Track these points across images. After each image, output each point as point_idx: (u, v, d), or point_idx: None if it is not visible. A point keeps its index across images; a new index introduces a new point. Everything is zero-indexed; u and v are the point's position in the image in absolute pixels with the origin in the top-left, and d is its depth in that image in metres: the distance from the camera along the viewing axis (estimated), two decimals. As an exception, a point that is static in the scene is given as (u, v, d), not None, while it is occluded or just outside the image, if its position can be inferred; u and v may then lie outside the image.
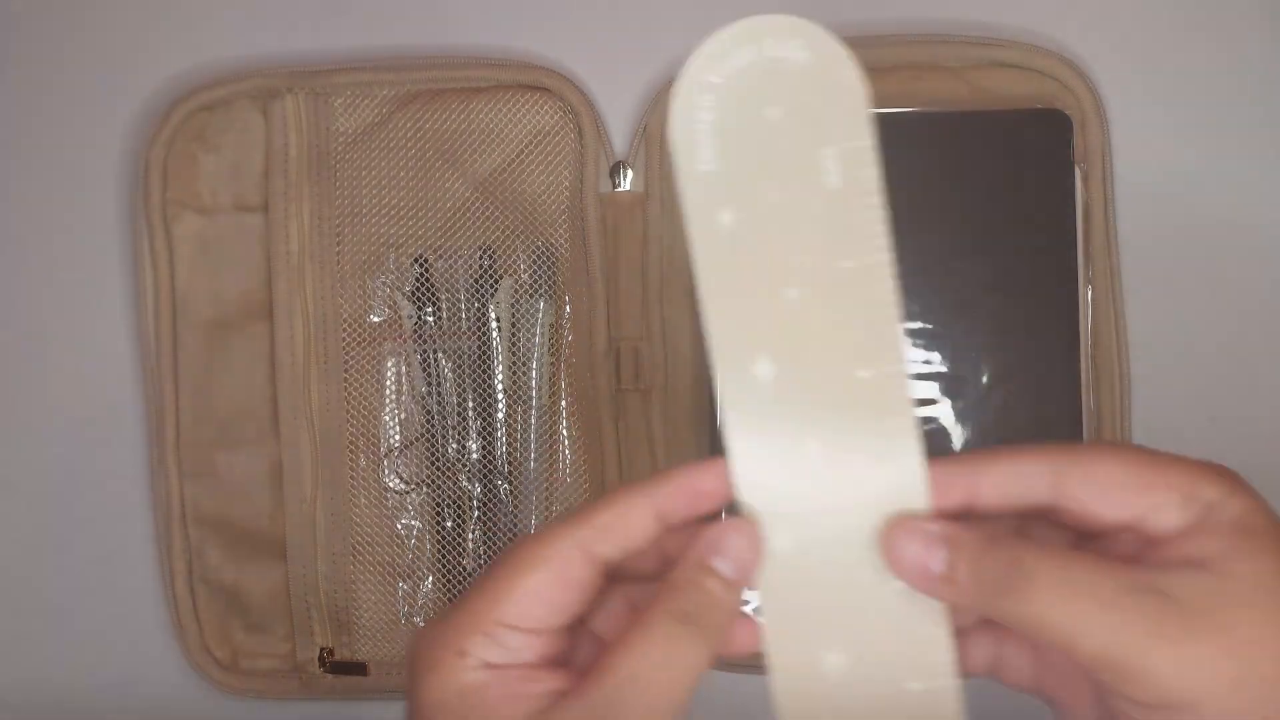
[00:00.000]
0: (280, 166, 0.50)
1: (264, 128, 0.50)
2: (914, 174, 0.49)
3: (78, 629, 0.52)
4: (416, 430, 0.50)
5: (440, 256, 0.50)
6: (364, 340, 0.50)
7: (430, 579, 0.50)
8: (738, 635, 0.31)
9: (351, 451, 0.50)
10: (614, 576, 0.31)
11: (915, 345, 0.48)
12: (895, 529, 0.30)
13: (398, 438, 0.50)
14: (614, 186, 0.50)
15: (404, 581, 0.50)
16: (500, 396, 0.50)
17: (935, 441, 0.48)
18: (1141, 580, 0.28)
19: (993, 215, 0.48)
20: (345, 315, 0.50)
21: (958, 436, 0.48)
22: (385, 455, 0.50)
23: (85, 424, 0.52)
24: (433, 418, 0.50)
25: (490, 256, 0.50)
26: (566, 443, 0.50)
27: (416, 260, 0.50)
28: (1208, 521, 0.29)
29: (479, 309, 0.50)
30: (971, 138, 0.49)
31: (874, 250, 0.30)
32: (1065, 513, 0.30)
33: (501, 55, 0.51)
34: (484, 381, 0.50)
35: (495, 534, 0.50)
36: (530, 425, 0.50)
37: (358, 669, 0.50)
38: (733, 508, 0.30)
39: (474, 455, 0.50)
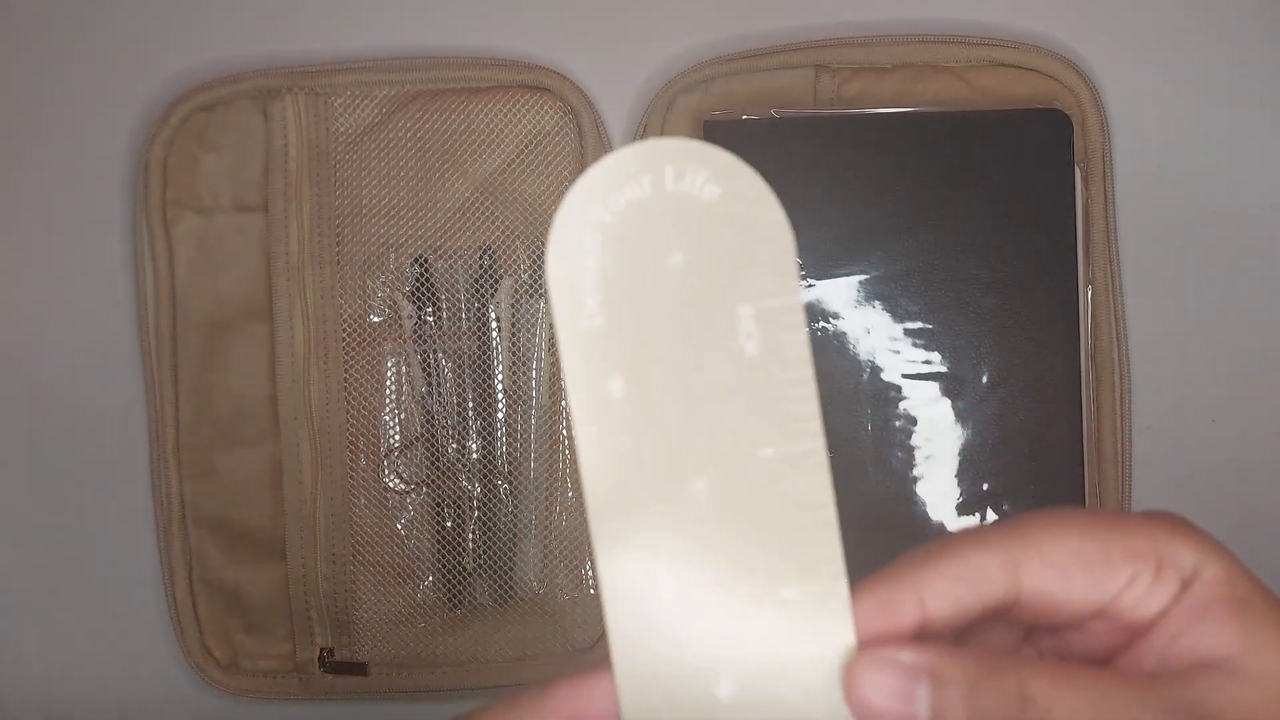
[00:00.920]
0: (280, 166, 0.50)
1: (264, 128, 0.50)
2: (914, 174, 0.49)
3: (78, 629, 0.52)
4: (416, 430, 0.50)
5: (440, 257, 0.50)
6: (364, 340, 0.50)
7: (430, 579, 0.50)
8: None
9: (351, 452, 0.50)
10: None
11: (915, 345, 0.48)
12: (859, 666, 0.24)
13: (398, 438, 0.50)
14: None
15: (404, 582, 0.50)
16: (500, 397, 0.50)
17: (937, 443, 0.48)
18: (1170, 700, 0.24)
19: (993, 215, 0.48)
20: (345, 315, 0.50)
21: (958, 437, 0.48)
22: (385, 455, 0.50)
23: (85, 424, 0.52)
24: (433, 418, 0.50)
25: (490, 256, 0.50)
26: (566, 443, 0.50)
27: (417, 260, 0.50)
28: (1196, 601, 0.25)
29: (479, 309, 0.50)
30: (972, 138, 0.49)
31: (802, 435, 0.25)
32: (1026, 608, 0.25)
33: (501, 55, 0.51)
34: (484, 382, 0.50)
35: (495, 534, 0.50)
36: (530, 425, 0.50)
37: (358, 669, 0.50)
38: None
39: (474, 455, 0.50)
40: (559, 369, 0.50)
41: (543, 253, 0.50)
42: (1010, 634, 0.27)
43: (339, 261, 0.50)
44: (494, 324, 0.50)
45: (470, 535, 0.50)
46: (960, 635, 0.27)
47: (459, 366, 0.50)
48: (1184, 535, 0.25)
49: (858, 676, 0.24)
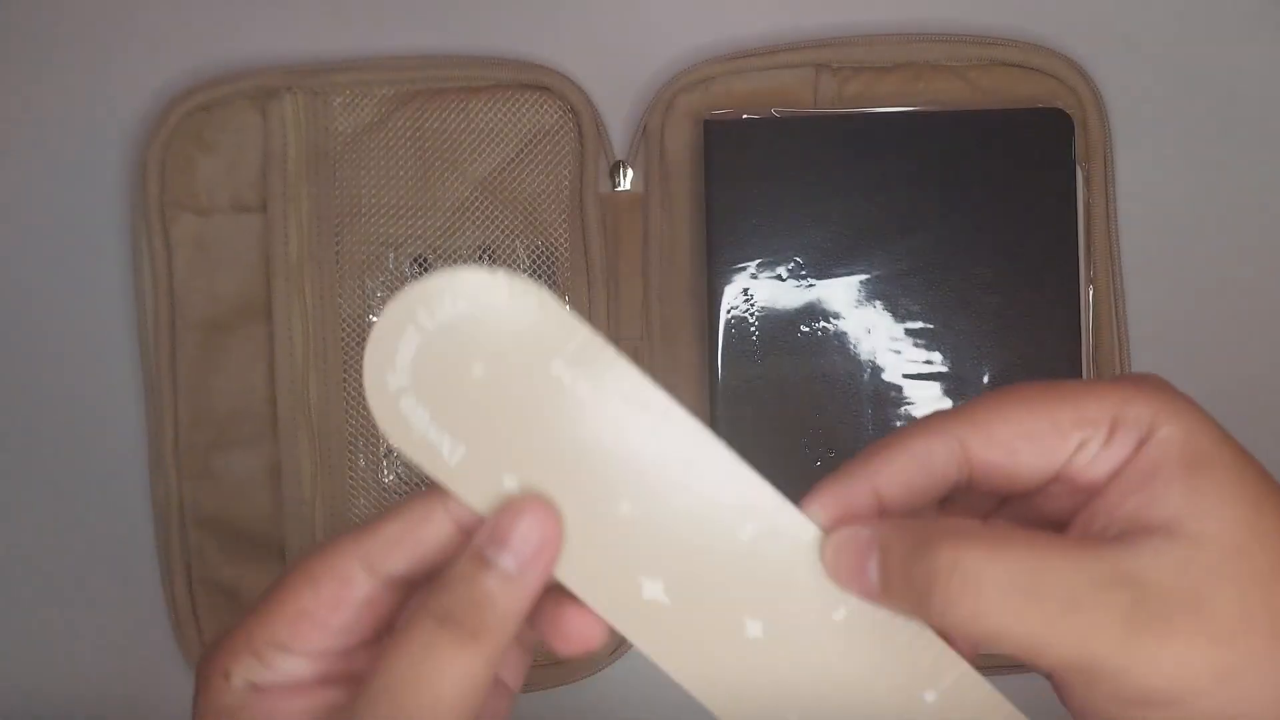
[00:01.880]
0: (279, 166, 0.50)
1: (262, 128, 0.50)
2: (915, 174, 0.48)
3: (77, 629, 0.52)
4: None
5: (440, 256, 0.50)
6: (363, 340, 0.50)
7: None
8: (566, 628, 0.27)
9: (350, 451, 0.50)
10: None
11: (916, 345, 0.48)
12: (826, 545, 0.27)
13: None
14: (614, 186, 0.50)
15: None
16: (500, 397, 0.49)
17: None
18: (1103, 568, 0.24)
19: (994, 215, 0.48)
20: (344, 315, 0.50)
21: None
22: (384, 455, 0.50)
23: (84, 425, 0.52)
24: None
25: (490, 256, 0.50)
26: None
27: (416, 260, 0.50)
28: (1147, 461, 0.25)
29: (478, 309, 0.50)
30: (973, 137, 0.48)
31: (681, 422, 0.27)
32: (981, 482, 0.27)
33: (501, 54, 0.51)
34: (483, 382, 0.49)
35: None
36: (530, 426, 0.50)
37: (357, 670, 0.50)
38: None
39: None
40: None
41: (542, 251, 0.50)
42: (985, 501, 0.29)
43: (338, 261, 0.50)
44: (493, 324, 0.49)
45: (470, 536, 0.50)
46: (941, 503, 0.28)
47: (458, 367, 0.50)
48: (1146, 396, 0.26)
49: (826, 548, 0.27)
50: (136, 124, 0.51)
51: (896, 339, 0.48)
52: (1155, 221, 0.51)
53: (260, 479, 0.50)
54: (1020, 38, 0.50)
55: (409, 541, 0.27)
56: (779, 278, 0.48)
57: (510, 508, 0.26)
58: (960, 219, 0.48)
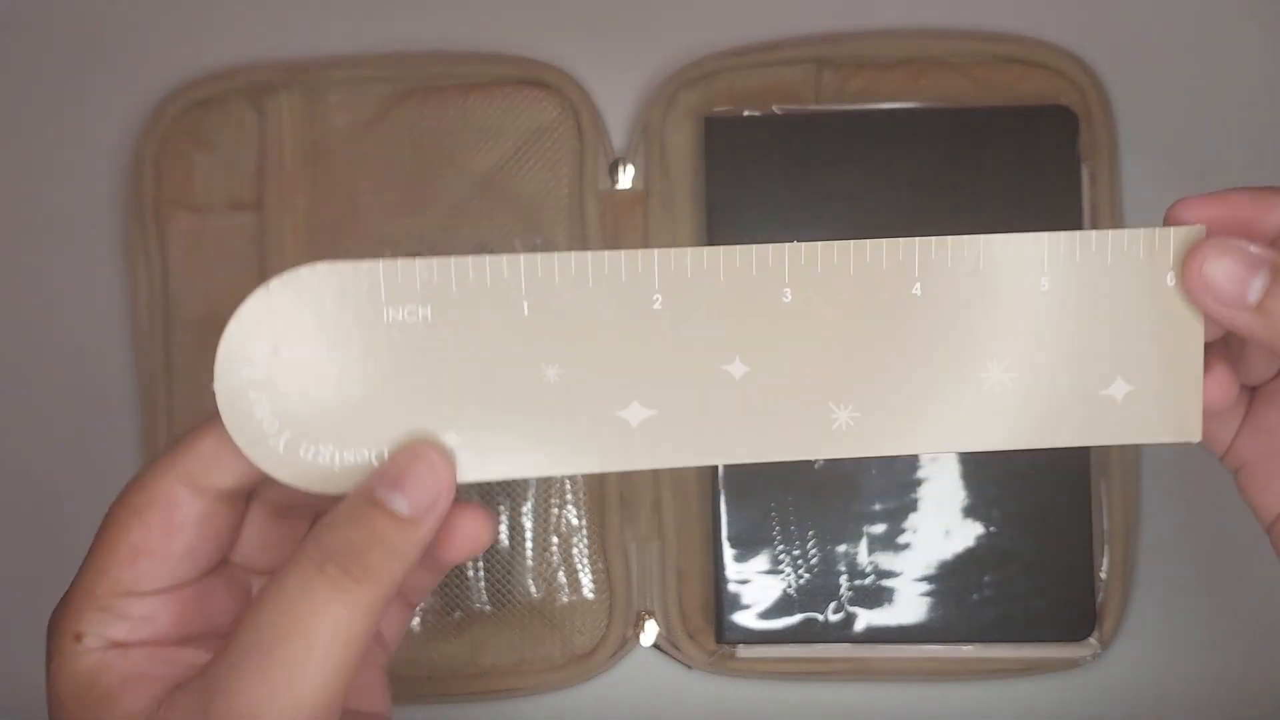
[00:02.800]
0: (275, 164, 0.49)
1: (258, 125, 0.49)
2: (918, 171, 0.48)
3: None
4: (413, 431, 0.49)
5: (437, 254, 0.49)
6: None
7: (427, 582, 0.50)
8: (458, 532, 0.26)
9: (347, 453, 0.49)
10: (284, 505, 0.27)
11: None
12: (1208, 246, 0.26)
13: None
14: (613, 183, 0.50)
15: (400, 585, 0.50)
16: (498, 397, 0.49)
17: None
18: None
19: (998, 213, 0.48)
20: (341, 314, 0.49)
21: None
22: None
23: (78, 423, 0.51)
24: (430, 418, 0.49)
25: (488, 254, 0.49)
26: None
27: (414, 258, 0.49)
28: None
29: (476, 308, 0.49)
30: (976, 135, 0.48)
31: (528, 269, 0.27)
32: None
33: (499, 50, 0.50)
34: (482, 382, 0.49)
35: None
36: (528, 426, 0.49)
37: (353, 674, 0.50)
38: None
39: (471, 456, 0.49)
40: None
41: (541, 250, 0.50)
42: None
43: (335, 259, 0.49)
44: (492, 323, 0.49)
45: (468, 537, 0.49)
46: None
47: (456, 366, 0.49)
48: None
49: (1205, 253, 0.26)
50: (132, 121, 0.51)
51: (899, 338, 0.48)
52: (1161, 219, 0.50)
53: (256, 480, 0.50)
54: (1025, 34, 0.50)
55: (228, 451, 0.26)
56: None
57: (408, 450, 0.26)
58: (964, 216, 0.48)
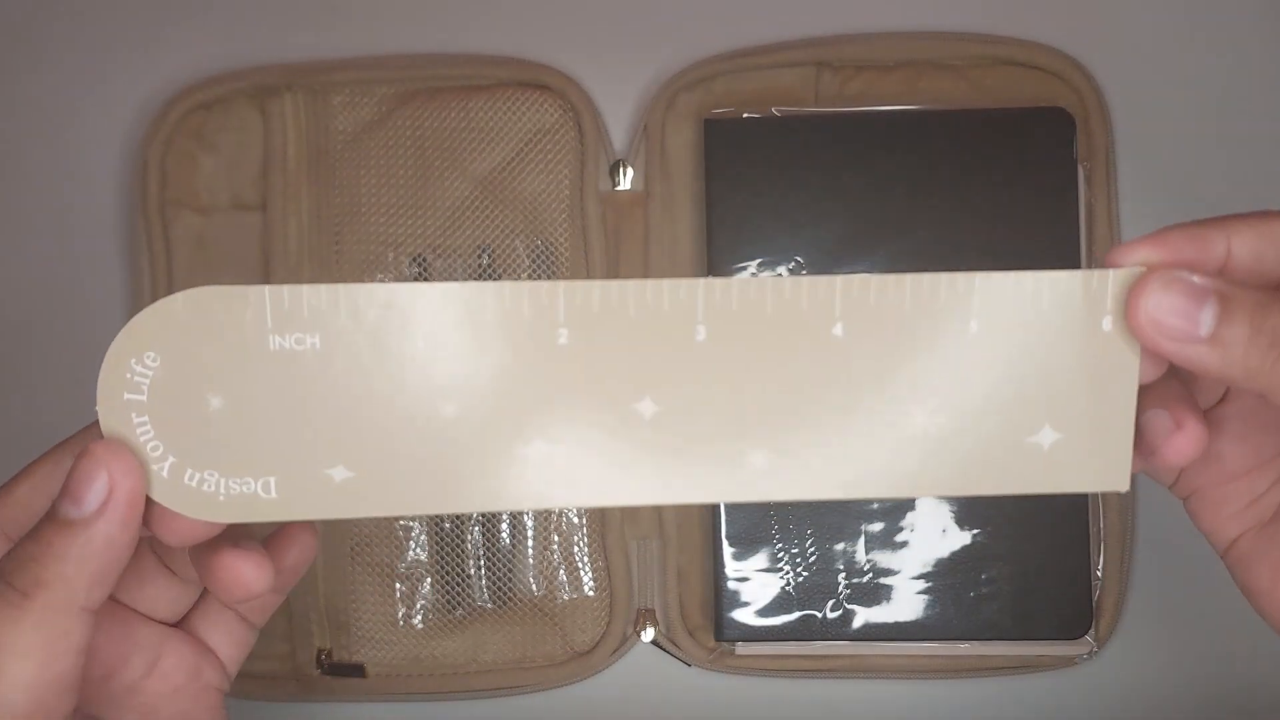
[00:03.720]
0: (279, 165, 0.49)
1: (262, 126, 0.50)
2: (916, 173, 0.48)
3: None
4: (415, 430, 0.50)
5: (439, 255, 0.50)
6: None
7: (429, 580, 0.50)
8: (225, 575, 0.26)
9: (350, 452, 0.50)
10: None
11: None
12: (1149, 281, 0.25)
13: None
14: (614, 185, 0.50)
15: (402, 583, 0.50)
16: (499, 396, 0.49)
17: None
18: None
19: (996, 214, 0.48)
20: (344, 314, 0.50)
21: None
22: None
23: (82, 424, 0.52)
24: (432, 418, 0.50)
25: (490, 255, 0.50)
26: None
27: (415, 259, 0.50)
28: None
29: (478, 308, 0.49)
30: (974, 137, 0.48)
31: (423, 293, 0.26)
32: None
33: (501, 53, 0.50)
34: (483, 381, 0.49)
35: (494, 534, 0.50)
36: (530, 425, 0.50)
37: (355, 670, 0.50)
38: None
39: (473, 455, 0.49)
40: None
41: (542, 251, 0.50)
42: None
43: (337, 260, 0.50)
44: (493, 323, 0.49)
45: (469, 536, 0.50)
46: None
47: (458, 366, 0.49)
48: None
49: (1147, 289, 0.25)
50: (136, 122, 0.51)
51: (898, 338, 0.48)
52: (1157, 221, 0.50)
53: (259, 479, 0.50)
54: (1022, 36, 0.50)
55: (38, 501, 0.26)
56: (780, 277, 0.48)
57: (86, 455, 0.25)
58: (962, 218, 0.48)
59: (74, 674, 0.25)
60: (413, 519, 0.50)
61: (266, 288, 0.25)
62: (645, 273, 0.50)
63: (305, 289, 0.25)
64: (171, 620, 0.31)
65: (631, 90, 0.51)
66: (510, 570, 0.50)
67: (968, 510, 0.48)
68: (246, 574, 0.27)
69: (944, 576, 0.47)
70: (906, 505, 0.48)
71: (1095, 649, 0.48)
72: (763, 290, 0.26)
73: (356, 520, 0.50)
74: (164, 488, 0.26)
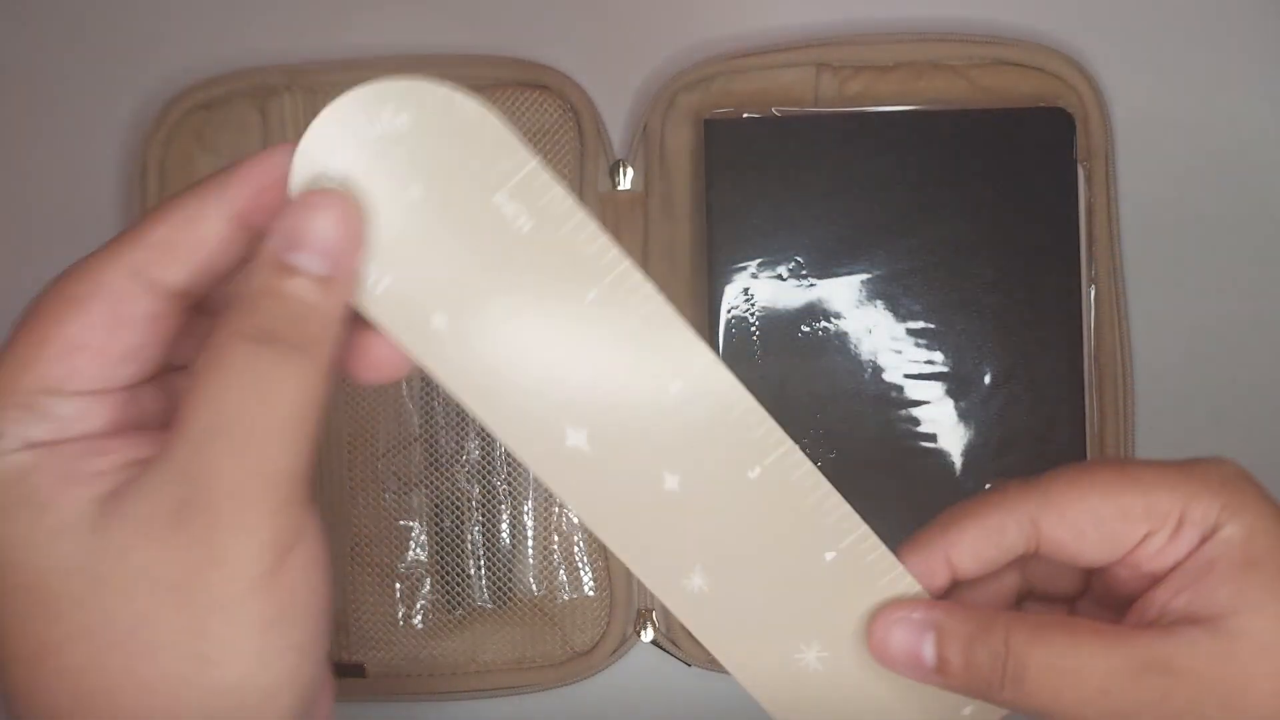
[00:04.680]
0: (278, 165, 0.49)
1: (262, 126, 0.50)
2: (916, 173, 0.48)
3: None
4: (415, 430, 0.50)
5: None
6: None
7: (428, 580, 0.50)
8: (371, 351, 0.25)
9: (350, 451, 0.50)
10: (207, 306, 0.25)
11: (917, 345, 0.48)
12: (879, 622, 0.28)
13: (396, 437, 0.50)
14: (613, 185, 0.50)
15: (402, 582, 0.50)
16: (499, 396, 0.49)
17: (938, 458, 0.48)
18: (1141, 655, 0.25)
19: (995, 214, 0.48)
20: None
21: (960, 437, 0.48)
22: (383, 455, 0.50)
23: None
24: (431, 417, 0.50)
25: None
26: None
27: (415, 259, 0.50)
28: (1204, 558, 0.26)
29: (478, 308, 0.49)
30: (974, 136, 0.48)
31: (605, 270, 0.26)
32: (1047, 558, 0.28)
33: (501, 53, 0.50)
34: (483, 381, 0.49)
35: (494, 535, 0.50)
36: (529, 425, 0.50)
37: (355, 670, 0.50)
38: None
39: (473, 455, 0.49)
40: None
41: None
42: (1069, 575, 0.30)
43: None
44: (493, 323, 0.49)
45: (469, 536, 0.50)
46: (1019, 566, 0.30)
47: (458, 366, 0.49)
48: (1214, 489, 0.26)
49: (878, 629, 0.28)
50: (136, 122, 0.51)
51: (897, 339, 0.48)
52: (1157, 220, 0.51)
53: (259, 479, 0.50)
54: (1022, 37, 0.50)
55: (183, 244, 0.24)
56: (779, 277, 0.48)
57: (302, 203, 0.24)
58: (962, 218, 0.48)
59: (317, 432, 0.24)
60: (413, 518, 0.50)
61: (535, 157, 0.25)
62: (644, 272, 0.50)
63: (557, 185, 0.25)
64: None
65: (631, 90, 0.51)
66: (510, 570, 0.50)
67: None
68: (390, 352, 0.26)
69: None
70: (905, 504, 0.48)
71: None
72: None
73: (357, 517, 0.50)
74: (375, 304, 0.25)
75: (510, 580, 0.50)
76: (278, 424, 0.23)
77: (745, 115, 0.49)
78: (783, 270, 0.48)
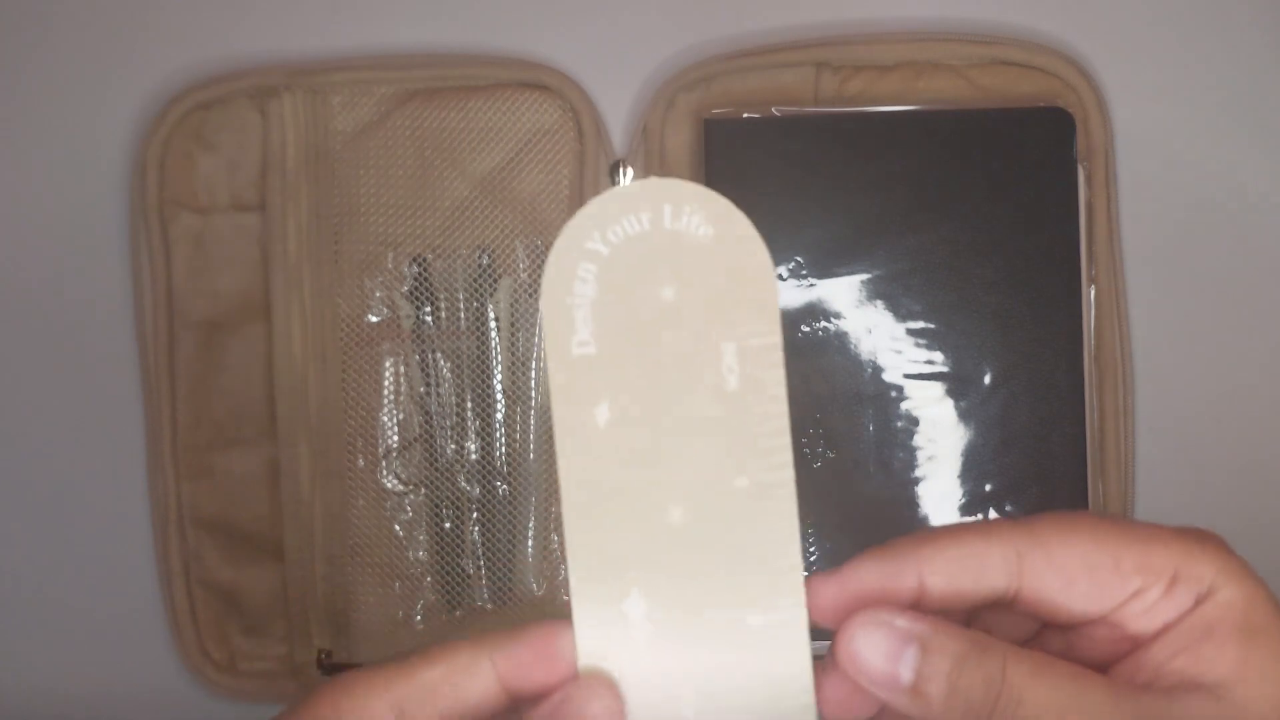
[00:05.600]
0: (278, 165, 0.49)
1: (261, 126, 0.50)
2: (916, 173, 0.48)
3: (75, 631, 0.52)
4: (415, 431, 0.50)
5: (439, 256, 0.50)
6: (362, 340, 0.50)
7: (429, 580, 0.50)
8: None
9: (350, 452, 0.50)
10: None
11: (917, 345, 0.48)
12: (855, 622, 0.25)
13: (396, 438, 0.50)
14: (613, 185, 0.50)
15: (402, 583, 0.50)
16: (499, 397, 0.49)
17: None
18: (1146, 713, 0.24)
19: (995, 214, 0.48)
20: (343, 315, 0.50)
21: (960, 437, 0.48)
22: (384, 456, 0.50)
23: (82, 425, 0.52)
24: (431, 418, 0.50)
25: (489, 256, 0.50)
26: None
27: (415, 260, 0.50)
28: (1202, 620, 0.25)
29: (478, 309, 0.49)
30: (973, 136, 0.48)
31: (774, 467, 0.25)
32: (1026, 604, 0.25)
33: (501, 53, 0.50)
34: (483, 382, 0.49)
35: (494, 535, 0.50)
36: (529, 426, 0.50)
37: (356, 671, 0.50)
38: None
39: (473, 456, 0.49)
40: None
41: (542, 251, 0.50)
42: (1021, 627, 0.27)
43: (337, 261, 0.50)
44: (493, 323, 0.49)
45: (469, 536, 0.50)
46: (969, 620, 0.27)
47: (457, 366, 0.50)
48: (1209, 554, 0.25)
49: (852, 632, 0.25)
50: (135, 122, 0.51)
51: (897, 339, 0.48)
52: (1157, 220, 0.51)
53: (259, 479, 0.50)
54: (1021, 36, 0.50)
55: (447, 692, 0.25)
56: (779, 277, 0.48)
57: (581, 687, 0.25)
58: (961, 218, 0.48)
59: None
60: (413, 518, 0.50)
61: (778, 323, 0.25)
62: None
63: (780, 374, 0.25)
64: None
65: (631, 90, 0.51)
66: (510, 570, 0.50)
67: (968, 510, 0.48)
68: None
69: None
70: (905, 504, 0.48)
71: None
72: None
73: (357, 517, 0.50)
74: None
75: (510, 580, 0.50)
76: None
77: (745, 115, 0.49)
78: (783, 270, 0.48)
